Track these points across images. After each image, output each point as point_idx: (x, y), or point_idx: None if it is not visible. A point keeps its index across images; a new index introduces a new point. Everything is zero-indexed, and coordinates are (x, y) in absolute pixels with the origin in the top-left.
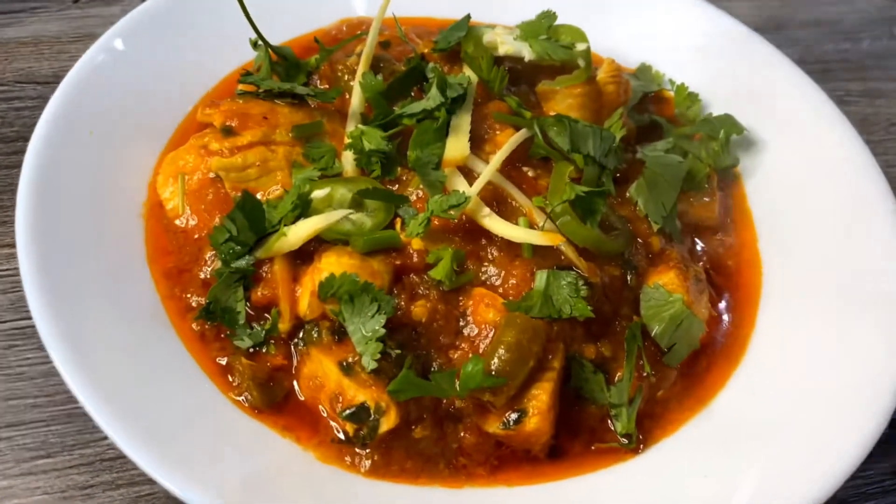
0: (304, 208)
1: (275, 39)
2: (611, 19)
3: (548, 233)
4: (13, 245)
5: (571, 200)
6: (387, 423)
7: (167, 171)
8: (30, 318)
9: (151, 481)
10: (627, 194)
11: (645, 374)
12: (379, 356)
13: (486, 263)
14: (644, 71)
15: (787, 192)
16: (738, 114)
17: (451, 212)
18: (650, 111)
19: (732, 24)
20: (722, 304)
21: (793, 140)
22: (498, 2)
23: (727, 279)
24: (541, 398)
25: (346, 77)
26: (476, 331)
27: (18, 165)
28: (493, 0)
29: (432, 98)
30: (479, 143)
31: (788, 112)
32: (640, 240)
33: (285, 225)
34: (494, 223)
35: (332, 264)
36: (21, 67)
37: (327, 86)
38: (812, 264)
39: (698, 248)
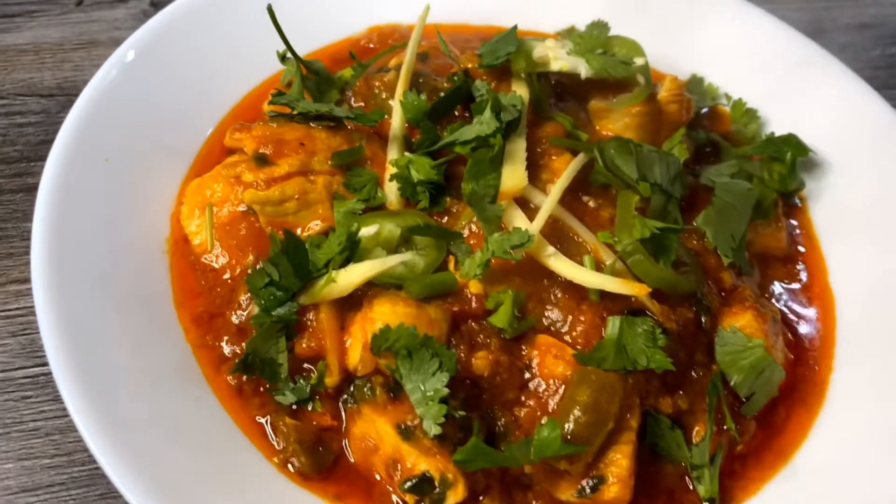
0: (352, 249)
1: (301, 49)
2: (658, 26)
3: (629, 282)
4: (22, 280)
5: (642, 238)
6: (454, 497)
7: (192, 200)
8: (43, 364)
9: None
10: (694, 223)
11: (725, 428)
12: (443, 420)
13: (549, 306)
14: (696, 84)
15: (855, 217)
16: (799, 131)
17: (513, 251)
18: (704, 128)
19: (791, 34)
20: (796, 344)
21: (860, 160)
22: (538, 8)
23: (799, 316)
24: (621, 463)
25: (383, 94)
26: (544, 385)
27: (23, 189)
28: (532, 5)
29: (486, 123)
30: (534, 171)
31: (853, 129)
32: (709, 275)
33: (333, 268)
34: (562, 265)
35: (385, 314)
36: (21, 78)
37: (362, 103)
38: (888, 297)
39: (769, 282)
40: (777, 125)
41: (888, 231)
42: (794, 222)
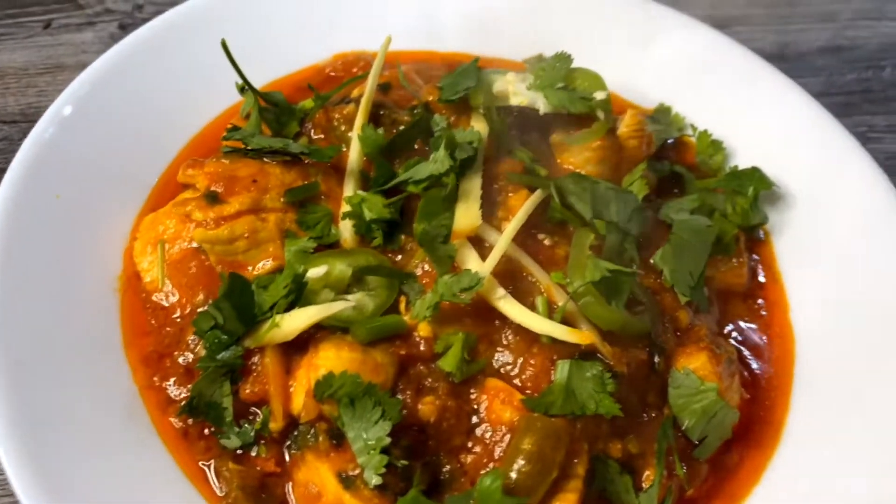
0: (298, 291)
1: (264, 77)
2: (626, 55)
3: (579, 332)
4: None
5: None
6: None
7: (145, 237)
8: None
9: None
10: (651, 261)
11: (675, 474)
12: (383, 470)
13: (500, 349)
14: (663, 113)
15: (819, 253)
16: (762, 164)
17: (463, 295)
18: (670, 159)
19: (759, 64)
20: (753, 383)
21: (824, 194)
22: (505, 36)
23: (756, 354)
24: None
25: (342, 128)
26: (490, 431)
27: None
28: (498, 34)
29: (440, 161)
30: (490, 208)
31: (818, 163)
32: (665, 314)
33: (278, 312)
34: (512, 308)
35: (330, 359)
36: None
37: (322, 135)
38: (848, 336)
39: (726, 320)
40: (742, 157)
41: (851, 268)
42: (757, 257)
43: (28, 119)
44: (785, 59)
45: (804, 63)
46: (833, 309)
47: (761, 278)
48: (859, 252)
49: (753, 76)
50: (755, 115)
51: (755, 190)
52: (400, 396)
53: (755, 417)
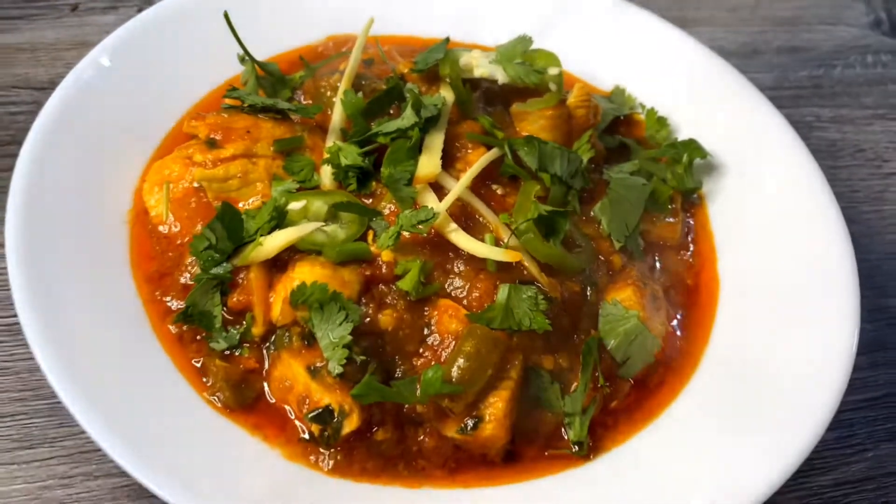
0: (280, 220)
1: (262, 54)
2: (588, 42)
3: (508, 250)
4: (1, 245)
5: (535, 219)
6: (349, 426)
7: (153, 179)
8: (16, 315)
9: (128, 474)
10: (592, 213)
11: (599, 386)
12: (345, 362)
13: (452, 276)
14: (618, 94)
15: (746, 215)
16: (704, 139)
17: (420, 226)
18: (621, 133)
19: (703, 52)
20: (679, 321)
21: (754, 165)
22: (481, 23)
23: (686, 297)
24: (497, 406)
25: (328, 94)
26: (439, 340)
27: (10, 168)
28: (476, 21)
29: (406, 117)
30: (451, 162)
31: (752, 138)
32: (602, 257)
33: (262, 235)
34: (460, 238)
35: (304, 273)
36: (17, 73)
37: (310, 101)
38: (764, 284)
39: (659, 266)
40: (684, 132)
41: (772, 228)
42: (692, 220)
43: (56, 87)
44: (742, 57)
45: (760, 61)
46: (755, 260)
47: (696, 236)
48: (781, 210)
49: (699, 63)
50: (696, 95)
51: (689, 157)
52: (363, 309)
53: (678, 349)
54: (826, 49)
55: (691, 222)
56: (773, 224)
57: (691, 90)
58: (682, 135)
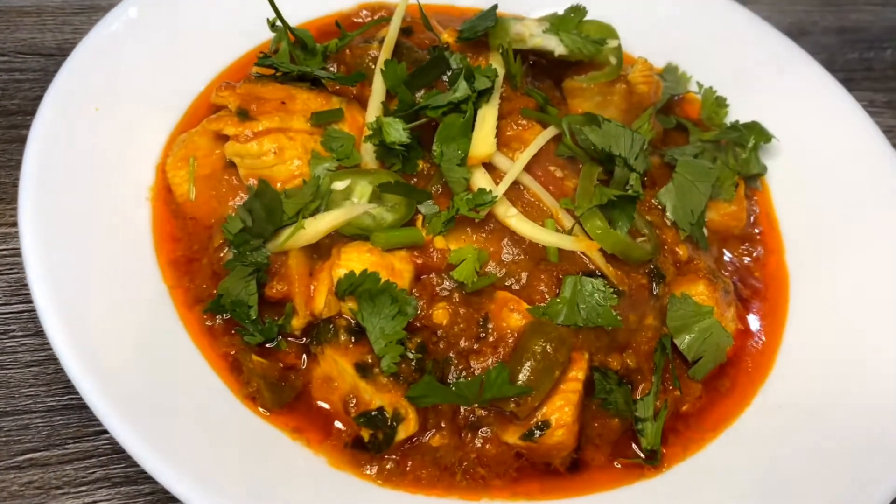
0: (322, 200)
1: (292, 21)
2: (639, 15)
3: (579, 238)
4: (11, 224)
5: (601, 205)
6: (405, 431)
7: (178, 153)
8: (27, 302)
9: (152, 480)
10: (654, 199)
11: (671, 388)
12: (399, 359)
13: (509, 266)
14: (671, 71)
15: (815, 203)
16: (766, 120)
17: (477, 211)
18: (676, 114)
19: (765, 28)
20: (748, 318)
21: (823, 150)
22: None
23: (753, 292)
24: (565, 410)
25: (366, 63)
26: (498, 336)
27: (18, 140)
28: None
29: (459, 90)
30: (504, 140)
31: (819, 120)
32: (667, 247)
33: (303, 217)
34: (522, 225)
35: (352, 260)
36: (23, 38)
37: (345, 71)
38: (840, 279)
39: (725, 257)
40: (744, 114)
41: (844, 218)
42: (757, 208)
43: (64, 53)
44: (788, 37)
45: (808, 41)
46: (825, 253)
47: (760, 225)
48: (849, 199)
49: (756, 39)
50: (758, 74)
51: (755, 141)
52: (416, 301)
53: (748, 349)
54: (875, 31)
55: (756, 209)
56: (843, 213)
57: (748, 69)
58: (740, 115)
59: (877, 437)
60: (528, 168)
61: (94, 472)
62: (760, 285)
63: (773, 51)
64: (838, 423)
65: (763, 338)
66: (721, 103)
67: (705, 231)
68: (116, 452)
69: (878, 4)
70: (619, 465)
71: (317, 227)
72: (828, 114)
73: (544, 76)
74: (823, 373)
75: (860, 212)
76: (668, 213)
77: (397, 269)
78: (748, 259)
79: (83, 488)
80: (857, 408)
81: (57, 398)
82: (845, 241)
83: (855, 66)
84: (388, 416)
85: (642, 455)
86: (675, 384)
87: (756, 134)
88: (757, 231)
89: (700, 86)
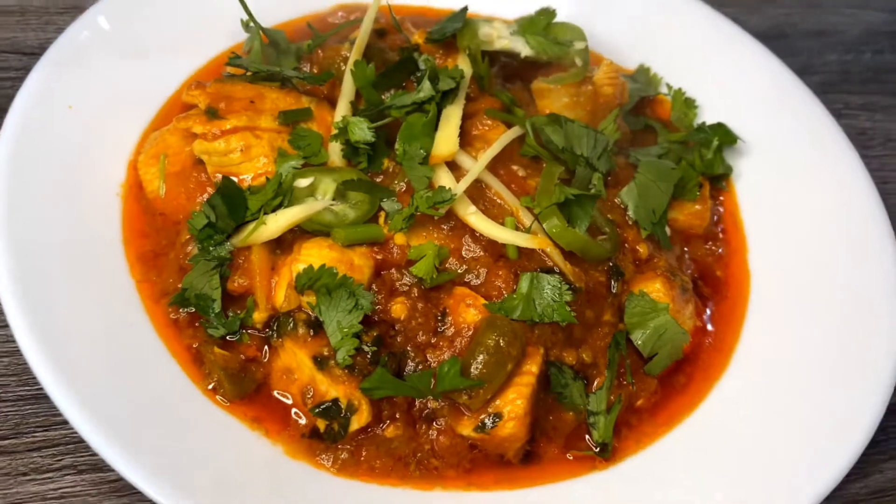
0: (285, 197)
1: (268, 22)
2: (611, 19)
3: (534, 236)
4: None
5: (560, 203)
6: (358, 421)
7: (149, 151)
8: None
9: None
10: (617, 198)
11: (626, 383)
12: (354, 352)
13: (469, 262)
14: (642, 73)
15: (779, 204)
16: (735, 123)
17: (437, 208)
18: (646, 115)
19: (734, 31)
20: (707, 315)
21: (788, 153)
22: None
23: (714, 290)
24: (517, 403)
25: (337, 64)
26: (455, 330)
27: None
28: None
29: (423, 90)
30: (469, 140)
31: (786, 124)
32: (627, 245)
33: (265, 213)
34: (480, 222)
35: (311, 255)
36: (6, 37)
37: (317, 71)
38: (801, 279)
39: (687, 256)
40: (713, 115)
41: (808, 220)
42: (722, 209)
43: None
44: (768, 39)
45: (787, 44)
46: (787, 254)
47: (725, 225)
48: (814, 202)
49: (725, 41)
50: (726, 76)
51: (720, 142)
52: (374, 296)
53: (706, 346)
54: (854, 34)
55: (720, 209)
56: (807, 214)
57: (720, 72)
58: (708, 118)
59: (824, 434)
60: (492, 167)
61: (60, 460)
62: (722, 284)
63: (744, 54)
64: (788, 422)
65: (721, 336)
66: (690, 105)
67: (668, 230)
68: (83, 441)
69: (857, 7)
70: (572, 458)
71: (277, 222)
72: (795, 117)
73: (515, 78)
74: (778, 371)
75: (823, 215)
76: (629, 212)
77: (357, 265)
78: (710, 259)
79: (49, 475)
80: (808, 407)
81: (27, 388)
82: (807, 242)
83: (833, 68)
84: (342, 407)
85: (595, 448)
86: (629, 380)
87: (721, 135)
88: (721, 230)
89: (670, 87)
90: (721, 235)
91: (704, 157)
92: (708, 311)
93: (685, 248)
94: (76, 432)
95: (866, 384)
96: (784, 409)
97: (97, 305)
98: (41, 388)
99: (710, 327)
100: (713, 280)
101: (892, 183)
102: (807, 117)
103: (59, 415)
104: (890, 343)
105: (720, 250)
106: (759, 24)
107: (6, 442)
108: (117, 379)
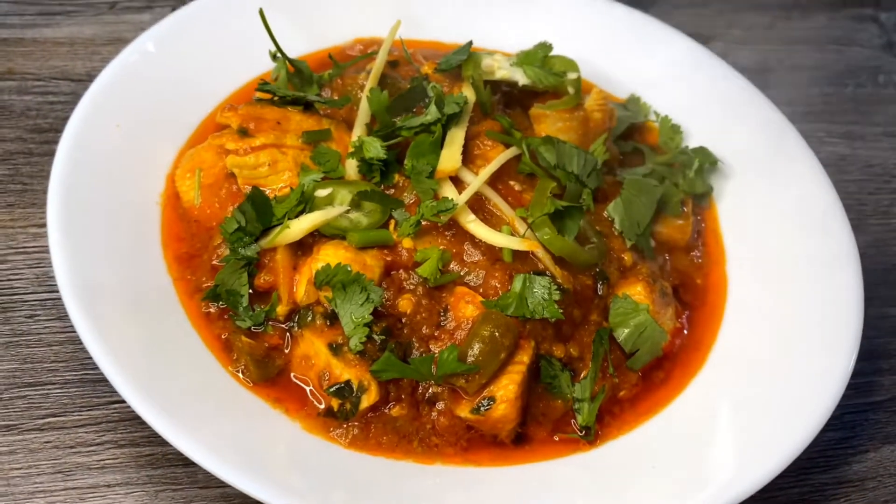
0: (307, 205)
1: (293, 53)
2: (608, 52)
3: (525, 239)
4: (40, 225)
5: (551, 213)
6: (367, 400)
7: (186, 165)
8: (52, 291)
9: (153, 443)
10: (605, 212)
11: (609, 375)
12: (365, 340)
13: (469, 264)
14: (633, 102)
15: (755, 220)
16: (716, 147)
17: (440, 216)
18: (635, 140)
19: (718, 65)
20: (687, 318)
21: (764, 173)
22: (502, 31)
23: (695, 296)
24: (509, 388)
25: (355, 91)
26: (455, 324)
27: (50, 154)
28: (497, 29)
29: (430, 114)
30: (471, 158)
31: (763, 148)
32: (613, 254)
33: (289, 219)
34: (478, 228)
35: (328, 255)
36: (56, 65)
37: (337, 98)
38: (772, 286)
39: (669, 265)
40: (696, 140)
41: (781, 235)
42: (704, 225)
43: (92, 79)
44: (755, 73)
45: (773, 78)
46: (763, 264)
47: (707, 240)
48: (790, 217)
49: (714, 75)
50: (710, 106)
51: (700, 162)
52: (384, 291)
53: (685, 346)
54: (838, 69)
55: (702, 224)
56: (781, 229)
57: (705, 101)
58: (695, 143)
59: (778, 420)
60: (491, 182)
61: (103, 436)
62: (701, 291)
63: (727, 87)
64: (758, 414)
65: (699, 337)
66: (676, 130)
67: (651, 241)
68: (123, 420)
69: (843, 44)
70: (559, 439)
71: (299, 226)
72: (771, 142)
73: (515, 104)
74: (750, 370)
75: (793, 230)
76: (616, 225)
77: (368, 265)
78: (691, 268)
79: (93, 448)
80: (773, 399)
81: (73, 373)
82: (782, 256)
83: (815, 99)
84: (354, 387)
85: (580, 432)
86: (612, 371)
87: (702, 157)
88: (702, 244)
89: (657, 115)
90: (702, 248)
91: (687, 176)
92: (687, 315)
93: (667, 258)
94: (115, 412)
95: (824, 378)
96: (751, 402)
97: (141, 301)
98: (86, 374)
99: (689, 328)
100: (693, 287)
101: (869, 205)
102: (784, 142)
103: (103, 397)
104: (847, 344)
105: (700, 261)
106: (748, 57)
107: (56, 419)
108: (160, 363)
